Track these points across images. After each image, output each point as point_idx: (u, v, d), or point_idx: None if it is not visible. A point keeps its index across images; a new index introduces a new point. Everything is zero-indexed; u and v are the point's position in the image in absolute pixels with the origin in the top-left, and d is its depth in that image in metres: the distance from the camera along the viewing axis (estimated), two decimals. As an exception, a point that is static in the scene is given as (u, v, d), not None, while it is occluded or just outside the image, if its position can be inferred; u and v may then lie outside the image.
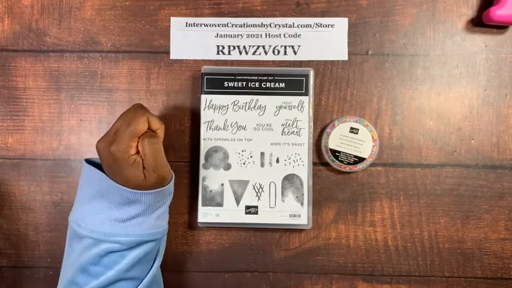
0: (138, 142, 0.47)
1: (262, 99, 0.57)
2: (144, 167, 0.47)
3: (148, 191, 0.48)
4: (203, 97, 0.58)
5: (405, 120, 0.59)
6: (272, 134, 0.57)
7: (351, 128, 0.58)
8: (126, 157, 0.46)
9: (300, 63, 0.59)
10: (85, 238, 0.48)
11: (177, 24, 0.60)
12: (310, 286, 0.60)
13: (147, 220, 0.49)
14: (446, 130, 0.59)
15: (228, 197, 0.57)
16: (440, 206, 0.59)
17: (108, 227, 0.48)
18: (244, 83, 0.58)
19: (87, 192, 0.50)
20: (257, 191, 0.57)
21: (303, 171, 0.57)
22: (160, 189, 0.49)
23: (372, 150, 0.57)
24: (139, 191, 0.48)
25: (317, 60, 0.59)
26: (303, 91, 0.57)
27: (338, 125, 0.58)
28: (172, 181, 0.51)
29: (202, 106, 0.58)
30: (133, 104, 0.50)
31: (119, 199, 0.48)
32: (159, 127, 0.50)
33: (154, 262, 0.52)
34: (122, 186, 0.47)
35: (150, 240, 0.50)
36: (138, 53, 0.60)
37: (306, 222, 0.57)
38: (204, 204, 0.57)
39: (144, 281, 0.50)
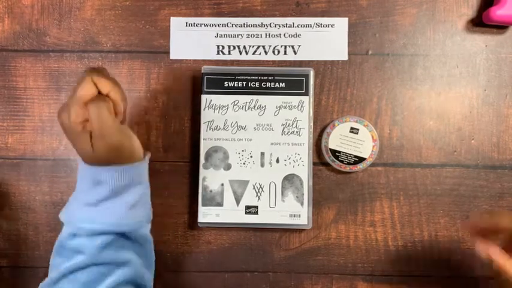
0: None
1: (262, 99, 0.57)
2: (91, 136, 0.44)
3: (105, 167, 0.45)
4: (203, 97, 0.58)
5: (405, 120, 0.59)
6: (272, 134, 0.57)
7: (351, 128, 0.58)
8: (73, 126, 0.43)
9: (300, 63, 0.59)
10: (64, 223, 0.48)
11: (177, 24, 0.60)
12: (310, 286, 0.60)
13: (116, 208, 0.46)
14: (446, 130, 0.59)
15: (228, 197, 0.57)
16: (440, 206, 0.59)
17: (75, 211, 0.47)
18: (244, 83, 0.58)
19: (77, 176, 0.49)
20: (257, 191, 0.57)
21: (303, 171, 0.57)
22: (120, 166, 0.45)
23: (372, 150, 0.57)
24: (96, 166, 0.45)
25: (317, 60, 0.59)
26: (303, 91, 0.57)
27: (338, 125, 0.58)
28: (142, 163, 0.48)
29: (202, 106, 0.58)
30: None
31: (87, 179, 0.46)
32: (110, 89, 0.44)
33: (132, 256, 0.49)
34: (84, 164, 0.45)
35: (116, 232, 0.47)
36: (138, 53, 0.60)
37: (306, 222, 0.57)
38: (204, 204, 0.57)
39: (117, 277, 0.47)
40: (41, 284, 0.47)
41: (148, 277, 0.51)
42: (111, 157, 0.45)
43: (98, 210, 0.46)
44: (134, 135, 0.48)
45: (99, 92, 0.44)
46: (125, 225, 0.47)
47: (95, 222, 0.46)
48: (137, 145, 0.48)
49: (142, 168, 0.48)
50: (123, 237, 0.48)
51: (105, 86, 0.44)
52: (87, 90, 0.43)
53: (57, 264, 0.47)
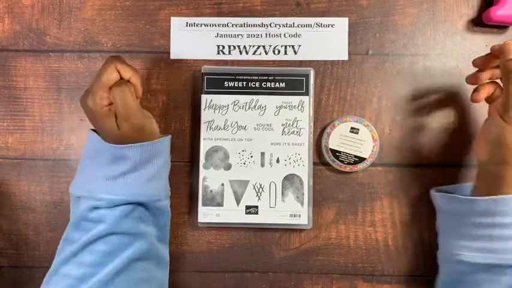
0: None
1: (263, 99, 0.57)
2: (116, 118, 0.48)
3: (131, 145, 0.48)
4: (203, 97, 0.58)
5: (405, 120, 0.59)
6: (272, 134, 0.57)
7: (351, 128, 0.58)
8: (100, 109, 0.48)
9: (300, 63, 0.59)
10: (77, 198, 0.50)
11: (177, 24, 0.60)
12: (310, 286, 0.60)
13: (135, 181, 0.49)
14: (446, 130, 0.59)
15: (228, 197, 0.57)
16: (441, 206, 0.59)
17: (94, 185, 0.49)
18: (244, 82, 0.58)
19: (85, 155, 0.51)
20: (257, 191, 0.57)
21: (303, 171, 0.57)
22: (144, 143, 0.49)
23: (372, 150, 0.57)
24: (122, 145, 0.48)
25: (317, 60, 0.59)
26: (303, 91, 0.57)
27: (338, 125, 0.58)
28: (165, 140, 0.52)
29: (203, 106, 0.58)
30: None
31: (106, 156, 0.49)
32: (131, 75, 0.49)
33: (149, 231, 0.51)
34: (106, 142, 0.49)
35: (135, 203, 0.49)
36: (138, 53, 0.60)
37: (306, 222, 0.57)
38: (204, 204, 0.57)
39: (132, 250, 0.49)
40: (56, 259, 0.48)
41: (164, 252, 0.54)
42: (135, 136, 0.49)
43: (117, 183, 0.49)
44: (152, 117, 0.52)
45: (121, 78, 0.49)
46: (143, 195, 0.50)
47: (114, 194, 0.48)
48: (155, 125, 0.52)
49: (161, 145, 0.51)
50: (142, 208, 0.50)
51: (127, 72, 0.49)
52: (111, 75, 0.48)
53: (77, 238, 0.48)
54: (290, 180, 0.57)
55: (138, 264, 0.49)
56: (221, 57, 0.60)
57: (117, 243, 0.48)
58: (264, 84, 0.58)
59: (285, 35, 0.60)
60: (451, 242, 0.51)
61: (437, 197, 0.54)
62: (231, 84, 0.58)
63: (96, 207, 0.48)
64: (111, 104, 0.48)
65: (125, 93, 0.48)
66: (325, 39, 0.59)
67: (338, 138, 0.58)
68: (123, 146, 0.48)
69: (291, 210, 0.57)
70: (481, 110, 0.59)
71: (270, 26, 0.60)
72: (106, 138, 0.49)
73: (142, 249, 0.49)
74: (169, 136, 0.53)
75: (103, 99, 0.48)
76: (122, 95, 0.47)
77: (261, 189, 0.57)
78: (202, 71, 0.58)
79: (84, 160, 0.51)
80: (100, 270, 0.47)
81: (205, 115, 0.58)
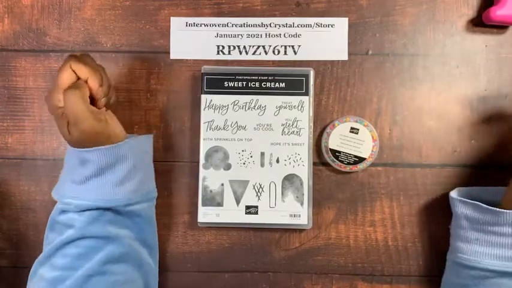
0: None
1: (262, 99, 0.57)
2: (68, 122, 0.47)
3: (90, 149, 0.47)
4: (203, 97, 0.58)
5: (405, 120, 0.59)
6: (272, 134, 0.57)
7: (351, 128, 0.58)
8: (54, 111, 0.46)
9: (300, 63, 0.59)
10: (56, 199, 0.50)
11: (177, 24, 0.60)
12: (310, 286, 0.60)
13: (101, 185, 0.48)
14: (446, 130, 0.59)
15: (228, 197, 0.57)
16: (440, 206, 0.58)
17: (63, 188, 0.49)
18: (244, 83, 0.58)
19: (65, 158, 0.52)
20: (257, 191, 0.57)
21: (303, 171, 0.57)
22: (103, 147, 0.47)
23: (372, 150, 0.57)
24: (83, 149, 0.47)
25: (317, 60, 0.59)
26: (303, 91, 0.57)
27: (338, 125, 0.58)
28: (129, 143, 0.49)
29: (202, 106, 0.58)
30: None
31: (74, 160, 0.49)
32: (88, 76, 0.46)
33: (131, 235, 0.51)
34: (71, 147, 0.48)
35: (103, 208, 0.48)
36: (138, 53, 0.60)
37: (306, 222, 0.57)
38: (204, 204, 0.57)
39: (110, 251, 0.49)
40: (36, 260, 0.49)
41: (145, 255, 0.52)
42: (86, 141, 0.47)
43: (84, 188, 0.48)
44: (113, 120, 0.50)
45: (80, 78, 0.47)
46: (110, 200, 0.48)
47: (81, 199, 0.48)
48: (115, 128, 0.50)
49: (125, 148, 0.49)
50: (112, 212, 0.49)
51: (83, 73, 0.46)
52: (64, 76, 0.45)
53: (52, 239, 0.49)
54: (290, 180, 0.57)
55: (113, 267, 0.48)
56: (221, 57, 0.60)
57: (87, 247, 0.48)
58: (264, 84, 0.58)
59: (284, 35, 0.60)
60: (469, 248, 0.51)
61: (459, 203, 0.53)
62: (231, 84, 0.58)
63: (66, 211, 0.48)
64: None
65: (72, 97, 0.45)
66: (325, 39, 0.59)
67: (338, 138, 0.58)
68: (83, 149, 0.47)
69: (291, 210, 0.57)
70: (481, 111, 0.59)
71: (270, 26, 0.60)
72: (66, 141, 0.49)
73: (115, 252, 0.49)
74: (140, 138, 0.52)
75: (58, 102, 0.46)
76: (70, 99, 0.45)
77: (260, 189, 0.57)
78: (202, 71, 0.58)
79: (64, 162, 0.52)
80: (71, 275, 0.46)
81: (205, 115, 0.58)
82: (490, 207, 0.49)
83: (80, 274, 0.47)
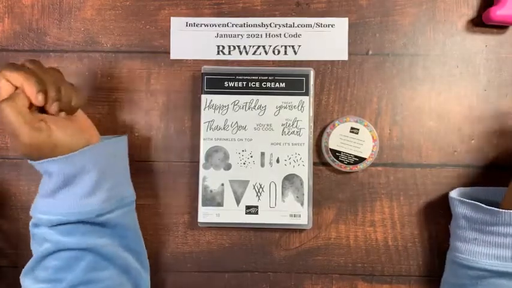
0: None
1: (263, 99, 0.57)
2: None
3: (48, 159, 0.45)
4: (203, 97, 0.58)
5: (405, 120, 0.59)
6: (272, 134, 0.57)
7: (351, 128, 0.58)
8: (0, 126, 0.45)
9: (300, 63, 0.59)
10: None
11: (177, 24, 0.60)
12: (310, 286, 0.60)
13: (68, 198, 0.46)
14: (446, 130, 0.59)
15: (228, 197, 0.57)
16: (440, 206, 0.58)
17: (35, 202, 0.48)
18: (244, 83, 0.58)
19: None
20: (257, 191, 0.57)
21: (303, 171, 0.57)
22: (63, 156, 0.45)
23: (372, 150, 0.57)
24: (40, 161, 0.45)
25: (317, 60, 0.59)
26: (303, 91, 0.57)
27: (338, 125, 0.58)
28: (92, 150, 0.47)
29: (203, 106, 0.58)
30: None
31: (40, 173, 0.48)
32: (21, 83, 0.43)
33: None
34: (29, 159, 0.47)
35: (73, 222, 0.47)
36: (138, 53, 0.60)
37: (306, 222, 0.57)
38: (204, 204, 0.57)
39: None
40: (23, 270, 0.48)
41: (130, 261, 0.51)
42: (34, 155, 0.45)
43: (52, 201, 0.47)
44: (62, 128, 0.46)
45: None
46: (80, 213, 0.47)
47: (50, 213, 0.47)
48: (62, 138, 0.46)
49: (89, 155, 0.47)
50: (85, 224, 0.47)
51: (16, 80, 0.43)
52: (1, 87, 0.42)
53: (35, 250, 0.48)
54: (290, 180, 0.57)
55: (97, 274, 0.48)
56: (221, 57, 0.60)
57: (67, 258, 0.47)
58: (264, 84, 0.58)
59: (285, 35, 0.60)
60: (467, 247, 0.51)
61: (458, 202, 0.53)
62: (231, 84, 0.58)
63: (38, 225, 0.48)
64: None
65: (6, 110, 0.42)
66: (325, 39, 0.59)
67: (338, 138, 0.58)
68: (40, 162, 0.45)
69: (291, 210, 0.57)
70: (481, 111, 0.59)
71: (270, 26, 0.60)
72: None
73: (97, 259, 0.48)
74: (108, 142, 0.50)
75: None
76: (3, 112, 0.42)
77: (261, 189, 0.57)
78: (202, 71, 0.58)
79: None
80: (55, 287, 0.46)
81: (205, 115, 0.58)
82: (489, 207, 0.49)
83: (64, 286, 0.46)
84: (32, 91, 0.43)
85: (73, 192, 0.47)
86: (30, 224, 0.49)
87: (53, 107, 0.45)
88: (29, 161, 0.47)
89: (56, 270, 0.47)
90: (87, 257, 0.47)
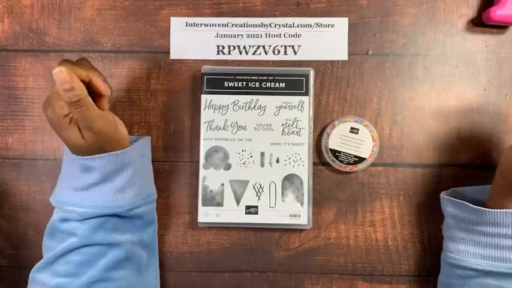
0: None
1: (262, 99, 0.57)
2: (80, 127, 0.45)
3: (95, 156, 0.46)
4: (203, 97, 0.58)
5: (405, 120, 0.59)
6: (272, 134, 0.57)
7: (351, 128, 0.58)
8: (61, 119, 0.44)
9: (300, 63, 0.59)
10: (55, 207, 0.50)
11: (177, 24, 0.60)
12: (310, 286, 0.60)
13: (105, 192, 0.48)
14: (446, 130, 0.59)
15: (228, 197, 0.57)
16: (440, 206, 0.58)
17: (64, 196, 0.49)
18: (244, 83, 0.58)
19: (63, 163, 0.51)
20: (257, 191, 0.57)
21: (303, 171, 0.57)
22: (111, 153, 0.47)
23: (372, 150, 0.57)
24: (87, 157, 0.46)
25: (317, 60, 0.59)
26: (303, 91, 0.57)
27: (338, 125, 0.58)
28: (134, 149, 0.49)
29: (202, 106, 0.58)
30: None
31: (75, 167, 0.48)
32: (87, 76, 0.45)
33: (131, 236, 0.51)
34: (73, 153, 0.47)
35: (107, 215, 0.48)
36: (138, 53, 0.60)
37: (306, 222, 0.57)
38: (204, 204, 0.57)
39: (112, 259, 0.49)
40: (36, 264, 0.49)
41: (145, 257, 0.53)
42: (101, 145, 0.46)
43: (87, 195, 0.48)
44: (117, 121, 0.49)
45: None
46: (114, 207, 0.48)
47: (85, 207, 0.47)
48: (122, 129, 0.49)
49: (130, 154, 0.49)
50: (116, 218, 0.49)
51: (81, 75, 0.44)
52: (63, 83, 0.42)
53: (52, 247, 0.49)
54: (290, 180, 0.57)
55: (115, 273, 0.49)
56: (221, 57, 0.60)
57: (90, 254, 0.48)
58: (264, 84, 0.58)
59: (284, 35, 0.60)
60: (455, 247, 0.51)
61: (446, 202, 0.53)
62: (231, 84, 0.58)
63: (67, 219, 0.48)
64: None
65: (85, 103, 0.43)
66: (325, 39, 0.59)
67: (338, 138, 0.58)
68: (88, 157, 0.46)
69: (291, 210, 0.57)
70: (481, 111, 0.59)
71: (270, 26, 0.60)
72: (72, 149, 0.47)
73: (118, 258, 0.49)
74: (140, 142, 0.52)
75: (62, 109, 0.44)
76: (83, 106, 0.43)
77: (260, 189, 0.57)
78: (202, 71, 0.58)
79: (62, 169, 0.51)
80: (74, 282, 0.47)
81: (205, 115, 0.58)
82: (474, 206, 0.49)
83: (84, 281, 0.47)
84: (99, 82, 0.46)
85: (110, 187, 0.48)
86: (57, 218, 0.49)
87: (103, 102, 0.47)
88: (77, 157, 0.47)
89: (77, 264, 0.47)
90: (110, 253, 0.48)
